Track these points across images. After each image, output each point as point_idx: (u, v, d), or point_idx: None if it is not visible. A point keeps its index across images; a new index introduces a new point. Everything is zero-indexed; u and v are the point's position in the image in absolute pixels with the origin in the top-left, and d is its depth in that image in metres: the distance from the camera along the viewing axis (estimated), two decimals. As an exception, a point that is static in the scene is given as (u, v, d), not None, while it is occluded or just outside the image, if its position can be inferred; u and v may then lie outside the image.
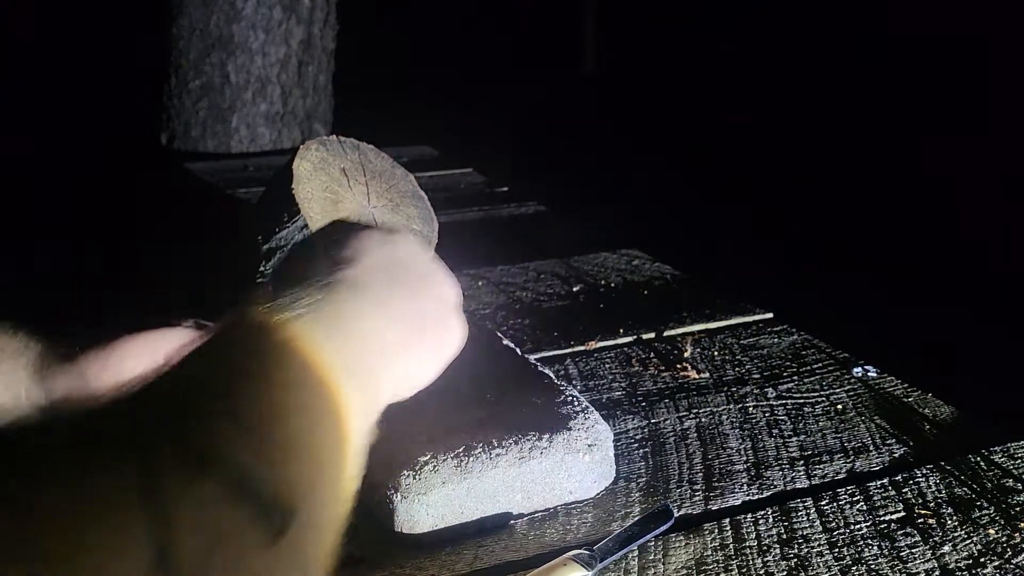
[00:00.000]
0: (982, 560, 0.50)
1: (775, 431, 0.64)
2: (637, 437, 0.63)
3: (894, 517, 0.54)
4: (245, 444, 0.29)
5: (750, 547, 0.51)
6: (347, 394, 0.36)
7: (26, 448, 0.26)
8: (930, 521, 0.54)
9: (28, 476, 0.24)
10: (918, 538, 0.52)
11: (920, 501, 0.56)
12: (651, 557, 0.50)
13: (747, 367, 0.74)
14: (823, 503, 0.56)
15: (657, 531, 0.51)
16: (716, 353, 0.77)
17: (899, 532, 0.53)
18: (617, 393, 0.69)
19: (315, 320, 0.37)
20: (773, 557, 0.50)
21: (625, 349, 0.77)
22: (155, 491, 0.26)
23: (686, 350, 0.77)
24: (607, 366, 0.74)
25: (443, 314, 0.46)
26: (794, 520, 0.54)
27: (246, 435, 0.29)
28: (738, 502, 0.56)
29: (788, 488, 0.58)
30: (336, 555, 0.33)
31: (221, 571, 0.27)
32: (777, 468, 0.60)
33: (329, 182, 0.79)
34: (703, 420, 0.66)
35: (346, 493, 0.34)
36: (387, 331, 0.42)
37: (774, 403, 0.68)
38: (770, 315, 0.85)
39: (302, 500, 0.30)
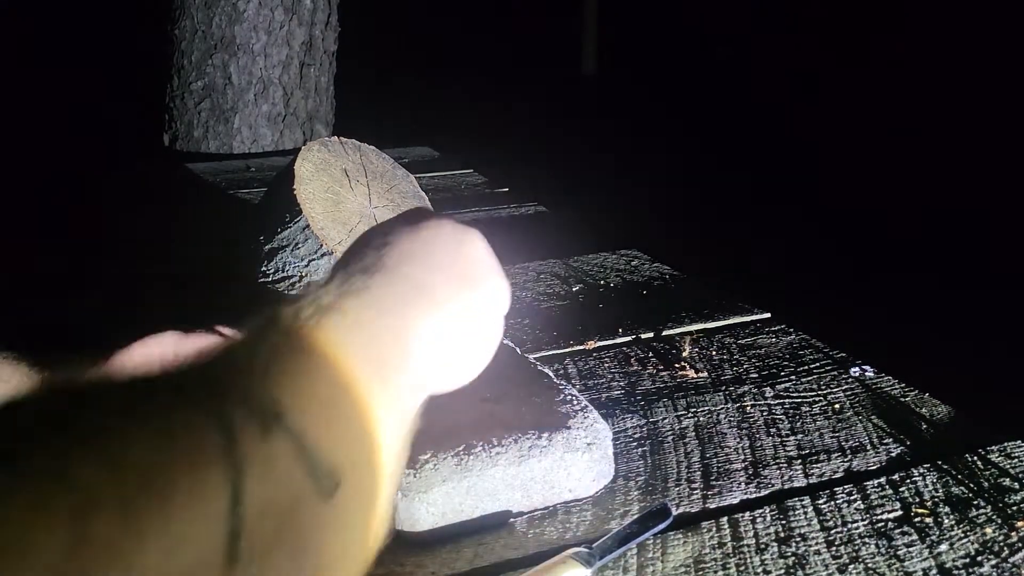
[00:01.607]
0: (979, 559, 0.51)
1: (773, 430, 0.65)
2: (636, 436, 0.64)
3: (891, 516, 0.55)
4: (301, 410, 0.31)
5: (748, 545, 0.52)
6: (393, 380, 0.38)
7: (109, 403, 0.28)
8: (927, 520, 0.54)
9: (116, 430, 0.26)
10: (915, 537, 0.53)
11: (917, 500, 0.56)
12: (650, 555, 0.51)
13: (745, 366, 0.74)
14: (820, 502, 0.56)
15: (656, 529, 0.52)
16: (714, 352, 0.77)
17: (896, 531, 0.53)
18: (616, 392, 0.70)
19: (372, 309, 0.40)
20: (771, 555, 0.51)
21: (624, 349, 0.78)
22: (232, 447, 0.27)
23: (684, 350, 0.77)
24: (606, 365, 0.74)
25: (492, 321, 0.49)
26: (792, 519, 0.54)
27: (301, 403, 0.31)
28: (736, 501, 0.56)
29: (786, 487, 0.58)
30: (384, 531, 0.37)
31: (278, 522, 0.28)
32: (775, 467, 0.60)
33: (331, 183, 0.79)
34: (701, 419, 0.66)
35: (391, 472, 0.36)
36: (440, 329, 0.44)
37: (772, 402, 0.69)
38: (768, 315, 0.85)
39: (350, 470, 0.32)
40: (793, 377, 0.73)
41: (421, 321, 0.43)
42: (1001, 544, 0.52)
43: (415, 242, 0.47)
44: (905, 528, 0.53)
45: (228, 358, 0.33)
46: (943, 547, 0.52)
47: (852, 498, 0.56)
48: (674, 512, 0.53)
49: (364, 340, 0.38)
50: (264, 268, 0.77)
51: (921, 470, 0.59)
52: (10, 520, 0.22)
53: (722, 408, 0.68)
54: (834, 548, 0.51)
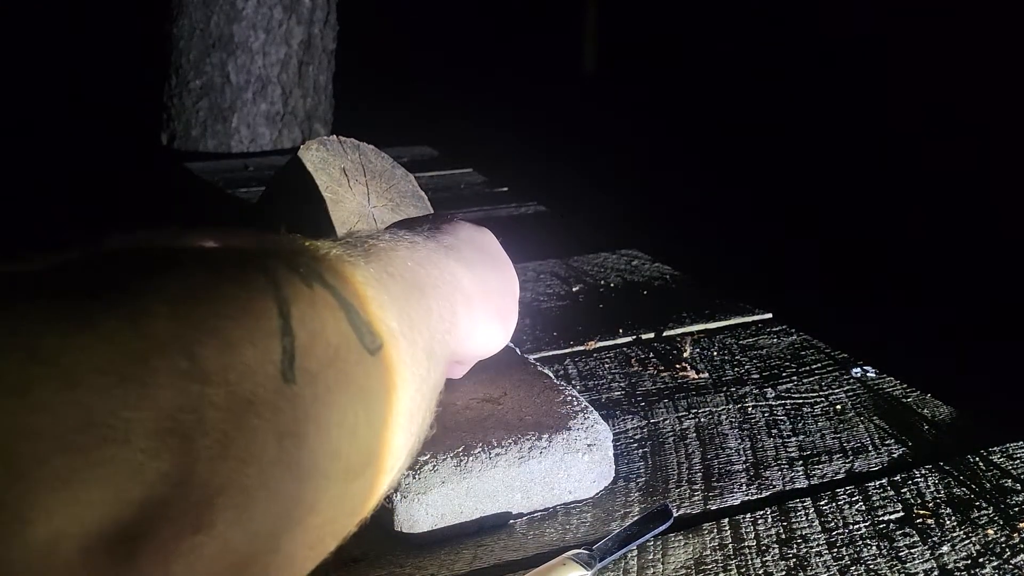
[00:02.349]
0: (981, 560, 0.50)
1: (774, 431, 0.64)
2: (636, 437, 0.63)
3: (893, 517, 0.54)
4: (340, 280, 0.33)
5: (749, 547, 0.51)
6: (425, 297, 0.41)
7: (153, 245, 0.30)
8: (929, 521, 0.54)
9: (165, 259, 0.29)
10: (917, 538, 0.52)
11: (919, 501, 0.56)
12: (650, 557, 0.50)
13: (746, 367, 0.74)
14: (822, 503, 0.56)
15: (656, 531, 0.51)
16: (715, 353, 0.77)
17: (898, 532, 0.53)
18: (616, 393, 0.70)
19: (404, 244, 0.43)
20: (772, 557, 0.50)
21: (624, 349, 0.77)
22: (277, 286, 0.29)
23: (685, 350, 0.77)
24: (606, 366, 0.74)
25: (511, 298, 0.55)
26: (793, 520, 0.54)
27: (340, 277, 0.33)
28: (737, 502, 0.56)
29: (787, 488, 0.58)
30: (437, 396, 0.39)
31: (328, 355, 0.30)
32: (776, 468, 0.60)
33: (329, 182, 0.79)
34: (702, 420, 0.66)
35: (430, 372, 0.38)
36: (469, 285, 0.48)
37: (773, 403, 0.68)
38: (769, 315, 0.85)
39: (390, 340, 0.34)
40: (795, 378, 0.72)
41: (457, 276, 0.47)
42: (1003, 545, 0.52)
43: (441, 225, 0.52)
44: (907, 529, 0.53)
45: (275, 242, 0.35)
46: (945, 548, 0.51)
47: (854, 499, 0.56)
48: (675, 513, 0.53)
49: (398, 261, 0.41)
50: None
51: (923, 471, 0.59)
52: (72, 306, 0.25)
53: (723, 409, 0.67)
54: (836, 549, 0.51)
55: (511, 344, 0.68)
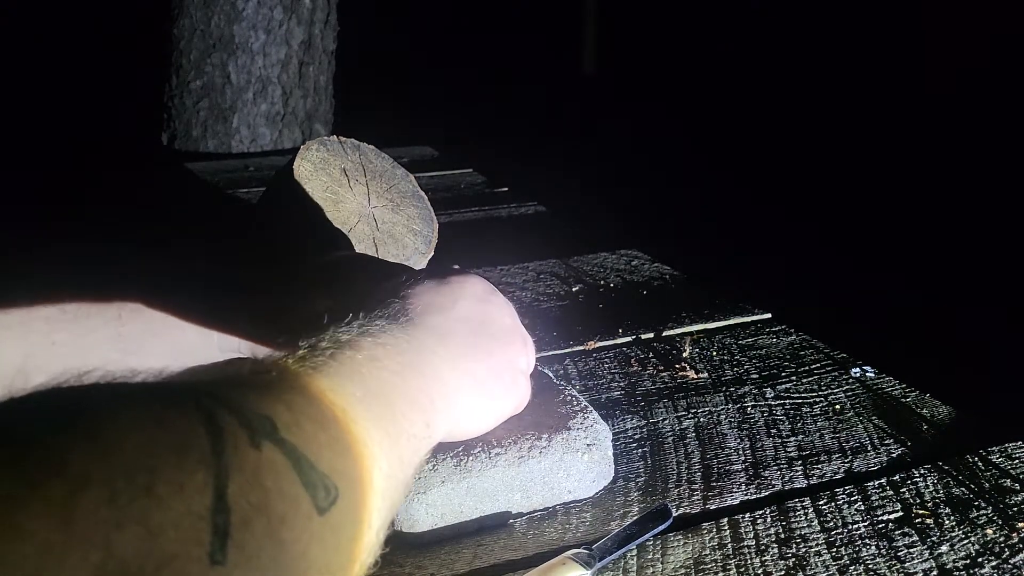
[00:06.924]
0: (980, 560, 0.51)
1: (773, 431, 0.64)
2: (636, 437, 0.63)
3: (892, 517, 0.54)
4: (297, 426, 0.32)
5: (748, 546, 0.51)
6: (397, 421, 0.39)
7: (105, 395, 0.29)
8: (928, 521, 0.54)
9: (109, 418, 0.27)
10: (916, 538, 0.52)
11: (918, 501, 0.56)
12: (650, 556, 0.50)
13: (745, 367, 0.74)
14: (821, 503, 0.56)
15: (656, 530, 0.51)
16: (715, 353, 0.77)
17: (897, 532, 0.53)
18: (616, 393, 0.70)
19: (388, 348, 0.41)
20: (771, 556, 0.51)
21: (624, 349, 0.77)
22: (219, 452, 0.28)
23: (685, 350, 0.77)
24: (606, 366, 0.74)
25: (510, 376, 0.52)
26: (792, 520, 0.54)
27: (298, 420, 0.32)
28: (736, 502, 0.56)
29: (786, 488, 0.58)
30: (372, 553, 0.36)
31: (268, 530, 0.28)
32: (775, 468, 0.60)
33: (330, 182, 0.79)
34: (702, 420, 0.66)
35: (382, 507, 0.36)
36: (455, 378, 0.46)
37: (772, 403, 0.68)
38: (768, 315, 0.85)
39: (346, 487, 0.32)
40: (794, 378, 0.72)
41: (437, 368, 0.44)
42: (1002, 545, 0.52)
43: (440, 295, 0.49)
44: (906, 529, 0.53)
45: (234, 375, 0.34)
46: (944, 548, 0.52)
47: (853, 499, 0.56)
48: (674, 513, 0.53)
49: (374, 378, 0.39)
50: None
51: (922, 471, 0.59)
52: (5, 497, 0.23)
53: (722, 409, 0.67)
54: (835, 549, 0.51)
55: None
